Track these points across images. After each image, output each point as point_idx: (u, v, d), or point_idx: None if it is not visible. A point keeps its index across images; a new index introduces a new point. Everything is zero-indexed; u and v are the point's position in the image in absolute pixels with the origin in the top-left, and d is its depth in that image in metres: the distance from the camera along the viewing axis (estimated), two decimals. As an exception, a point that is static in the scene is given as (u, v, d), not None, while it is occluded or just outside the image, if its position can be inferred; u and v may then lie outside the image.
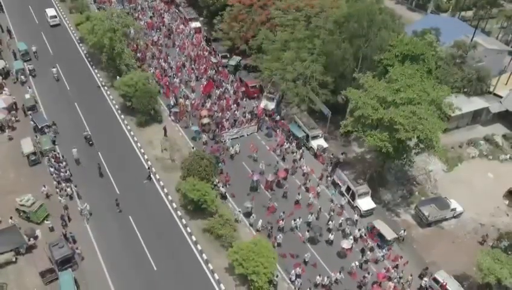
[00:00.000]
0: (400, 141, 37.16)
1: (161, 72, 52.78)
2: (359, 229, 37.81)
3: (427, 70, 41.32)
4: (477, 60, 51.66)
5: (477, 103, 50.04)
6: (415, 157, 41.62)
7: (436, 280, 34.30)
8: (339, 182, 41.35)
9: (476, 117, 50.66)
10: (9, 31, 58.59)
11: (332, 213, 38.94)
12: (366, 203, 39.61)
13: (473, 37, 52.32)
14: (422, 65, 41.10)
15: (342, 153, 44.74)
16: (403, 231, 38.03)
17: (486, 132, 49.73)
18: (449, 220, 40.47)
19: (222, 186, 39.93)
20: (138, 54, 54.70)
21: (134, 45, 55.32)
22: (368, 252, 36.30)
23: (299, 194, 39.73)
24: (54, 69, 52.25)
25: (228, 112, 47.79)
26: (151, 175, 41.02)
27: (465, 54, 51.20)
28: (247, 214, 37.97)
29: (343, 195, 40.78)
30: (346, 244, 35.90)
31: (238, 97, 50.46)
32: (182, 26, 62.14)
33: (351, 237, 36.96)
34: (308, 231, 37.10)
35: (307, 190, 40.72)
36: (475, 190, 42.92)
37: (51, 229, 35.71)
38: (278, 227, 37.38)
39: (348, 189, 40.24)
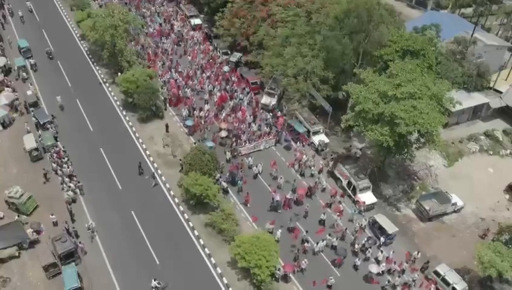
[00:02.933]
0: (401, 135, 37.31)
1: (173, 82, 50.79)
2: (382, 251, 35.96)
3: (427, 65, 41.58)
4: (477, 56, 51.97)
5: (477, 99, 50.27)
6: (416, 152, 41.74)
7: (437, 273, 34.51)
8: (340, 177, 41.49)
9: (476, 112, 50.90)
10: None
11: (356, 234, 37.02)
12: (367, 197, 39.75)
13: (473, 33, 52.52)
14: (422, 60, 41.37)
15: (348, 147, 44.94)
16: (416, 253, 36.13)
17: (486, 127, 49.99)
18: (450, 215, 40.70)
19: (224, 181, 40.00)
20: (140, 50, 54.72)
21: (136, 42, 55.45)
22: (397, 278, 34.30)
23: (324, 213, 37.94)
24: (28, 2, 59.01)
25: (244, 124, 45.85)
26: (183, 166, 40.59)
27: (465, 50, 51.45)
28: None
29: (344, 190, 41.01)
30: (375, 268, 33.86)
31: (256, 110, 48.18)
32: (191, 33, 60.64)
33: (383, 264, 34.87)
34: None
35: (329, 206, 39.20)
36: (476, 185, 43.19)
37: (55, 224, 35.86)
38: (303, 250, 35.52)
39: (349, 183, 40.39)
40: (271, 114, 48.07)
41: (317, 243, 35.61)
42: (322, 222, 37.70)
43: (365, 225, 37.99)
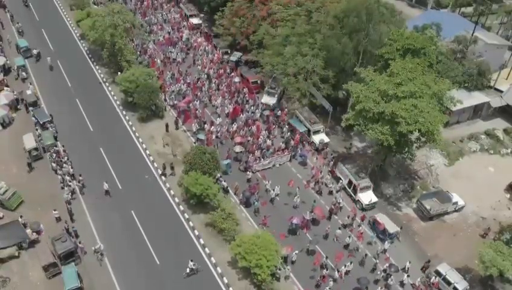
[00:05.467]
0: (402, 134, 37.21)
1: (184, 95, 49.14)
2: (408, 275, 34.20)
3: (428, 64, 41.42)
4: (478, 55, 51.85)
5: (478, 98, 50.14)
6: (416, 151, 41.65)
7: (438, 273, 34.42)
8: (340, 176, 41.39)
9: (476, 112, 50.75)
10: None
11: (377, 261, 35.19)
12: (367, 197, 39.65)
13: (473, 32, 52.42)
14: (423, 59, 41.20)
15: (345, 147, 44.73)
16: (426, 262, 35.58)
17: (487, 127, 49.82)
18: (451, 214, 40.55)
19: (224, 181, 39.88)
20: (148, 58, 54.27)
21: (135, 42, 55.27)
22: None
23: (349, 237, 36.27)
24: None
25: (259, 139, 43.97)
26: None
27: (465, 49, 51.38)
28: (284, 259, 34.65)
29: (344, 189, 40.89)
30: None
31: (271, 126, 46.10)
32: (199, 40, 58.79)
33: None
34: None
35: (345, 226, 37.74)
36: (476, 184, 43.05)
37: (58, 220, 35.83)
38: (323, 278, 33.37)
39: (350, 183, 40.29)
40: (287, 127, 46.22)
41: (338, 270, 33.93)
42: (346, 246, 36.18)
43: (387, 248, 36.12)
